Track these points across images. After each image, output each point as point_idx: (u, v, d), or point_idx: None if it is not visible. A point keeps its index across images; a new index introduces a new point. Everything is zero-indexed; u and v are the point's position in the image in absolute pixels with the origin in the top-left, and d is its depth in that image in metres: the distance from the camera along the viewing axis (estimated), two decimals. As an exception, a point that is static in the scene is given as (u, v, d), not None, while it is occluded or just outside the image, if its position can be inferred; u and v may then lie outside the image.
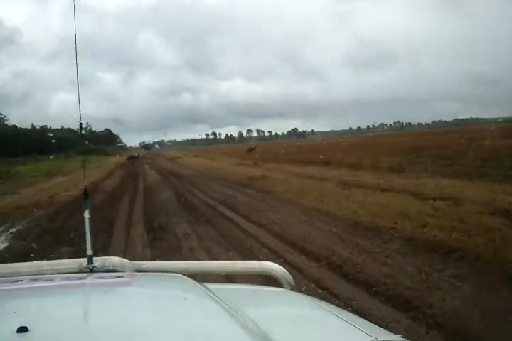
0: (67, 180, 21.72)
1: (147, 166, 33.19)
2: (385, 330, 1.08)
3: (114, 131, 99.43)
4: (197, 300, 1.08)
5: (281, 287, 1.35)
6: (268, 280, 1.44)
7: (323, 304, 1.25)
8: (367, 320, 1.18)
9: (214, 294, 1.08)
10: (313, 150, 30.66)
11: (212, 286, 1.20)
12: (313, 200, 10.15)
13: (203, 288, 1.14)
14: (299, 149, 32.15)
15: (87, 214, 1.37)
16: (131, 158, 44.49)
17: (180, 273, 1.30)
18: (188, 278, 1.23)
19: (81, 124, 1.67)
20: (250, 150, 33.59)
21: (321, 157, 21.93)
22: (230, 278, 2.03)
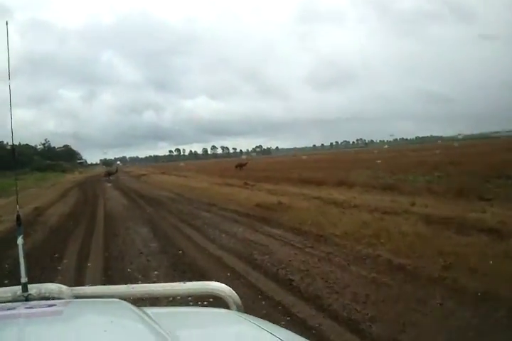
0: (9, 203, 16.32)
1: (109, 185, 27.39)
2: None
3: (75, 148, 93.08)
4: (130, 327, 0.94)
5: (229, 308, 1.18)
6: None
7: (268, 326, 1.01)
8: None
9: (151, 319, 0.95)
10: (303, 167, 25.79)
11: (153, 310, 1.06)
12: (436, 262, 5.05)
13: (139, 312, 0.99)
14: (285, 166, 27.13)
15: (20, 241, 1.21)
16: (109, 173, 36.42)
17: (121, 298, 1.13)
18: (126, 303, 1.07)
19: (13, 147, 1.59)
20: (241, 165, 27.84)
21: (331, 175, 17.09)
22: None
